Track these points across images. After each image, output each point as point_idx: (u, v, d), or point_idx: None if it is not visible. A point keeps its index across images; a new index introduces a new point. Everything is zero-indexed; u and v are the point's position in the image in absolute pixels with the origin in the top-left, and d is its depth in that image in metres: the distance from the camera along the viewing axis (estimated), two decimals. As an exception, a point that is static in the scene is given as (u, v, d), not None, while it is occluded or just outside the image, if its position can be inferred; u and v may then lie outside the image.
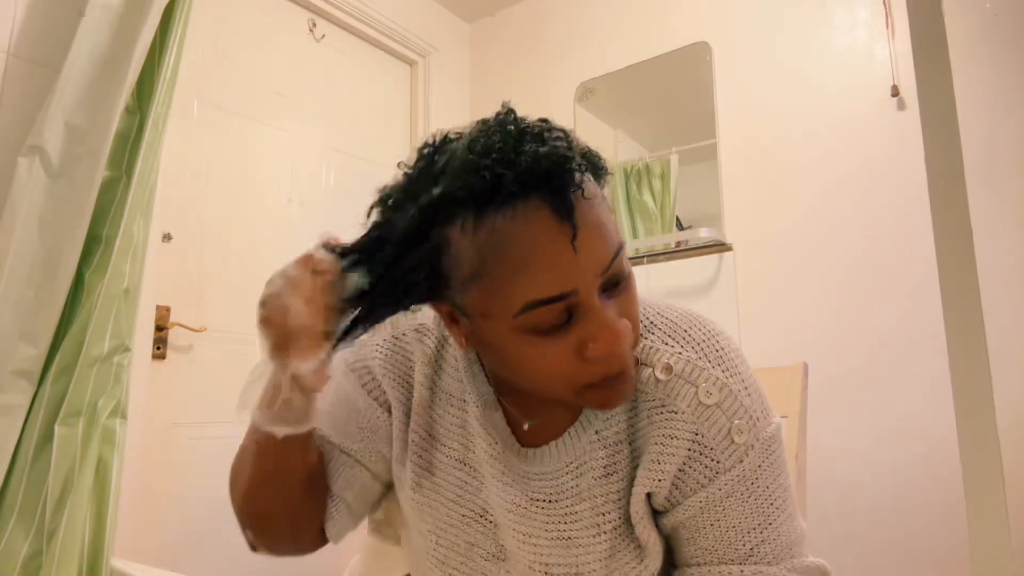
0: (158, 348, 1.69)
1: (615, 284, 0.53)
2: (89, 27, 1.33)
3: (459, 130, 0.55)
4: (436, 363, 0.68)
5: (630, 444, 0.61)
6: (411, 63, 2.58)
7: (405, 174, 0.55)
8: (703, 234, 2.05)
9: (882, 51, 1.85)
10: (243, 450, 0.66)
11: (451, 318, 0.58)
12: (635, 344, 0.57)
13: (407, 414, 0.68)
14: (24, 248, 1.24)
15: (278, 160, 2.06)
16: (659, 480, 0.59)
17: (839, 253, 1.85)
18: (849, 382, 1.77)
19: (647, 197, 2.26)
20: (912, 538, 1.65)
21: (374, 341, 0.70)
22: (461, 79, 2.75)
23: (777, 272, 1.94)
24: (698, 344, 0.61)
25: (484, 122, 0.53)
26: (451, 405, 0.66)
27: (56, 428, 1.24)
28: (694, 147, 2.17)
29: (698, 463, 0.58)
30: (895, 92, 1.81)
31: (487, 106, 2.97)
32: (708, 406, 0.58)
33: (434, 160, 0.53)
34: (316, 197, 2.14)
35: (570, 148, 0.50)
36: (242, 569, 1.80)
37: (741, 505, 0.58)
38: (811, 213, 1.91)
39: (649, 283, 2.13)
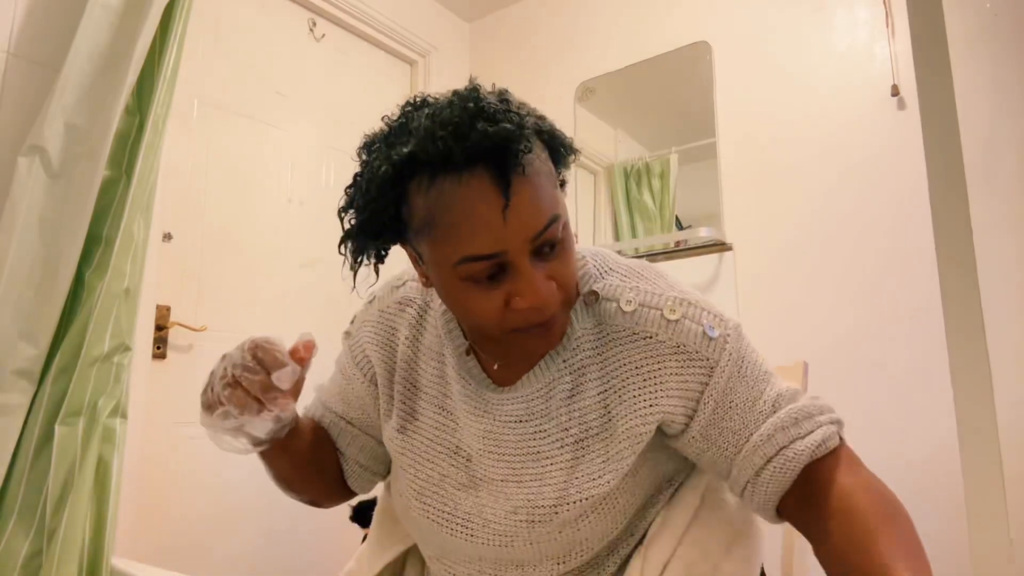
0: (158, 348, 1.69)
1: (550, 248, 0.61)
2: (89, 27, 1.33)
3: (437, 95, 0.63)
4: (418, 326, 0.78)
5: (600, 367, 0.69)
6: (411, 63, 2.58)
7: (387, 126, 0.64)
8: (703, 233, 2.05)
9: (882, 51, 1.85)
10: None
11: (415, 260, 0.68)
12: (568, 300, 0.64)
13: (391, 372, 0.78)
14: (24, 248, 1.24)
15: (278, 160, 2.06)
16: (669, 400, 0.66)
17: (839, 252, 1.85)
18: (849, 381, 1.77)
19: (647, 196, 2.26)
20: (912, 538, 1.64)
21: (366, 318, 0.81)
22: (461, 79, 2.73)
23: (777, 271, 1.94)
24: (649, 279, 0.71)
25: (455, 93, 0.61)
26: (432, 359, 0.76)
27: (56, 428, 1.24)
28: (694, 146, 2.17)
29: (692, 368, 0.65)
30: (895, 92, 1.81)
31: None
32: (676, 320, 0.66)
33: (410, 119, 0.61)
34: (316, 197, 2.14)
35: (520, 128, 0.58)
36: (242, 569, 1.80)
37: (744, 381, 0.66)
38: (811, 212, 1.91)
39: (649, 283, 2.12)
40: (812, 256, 1.89)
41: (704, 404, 0.66)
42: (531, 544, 0.69)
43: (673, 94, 2.31)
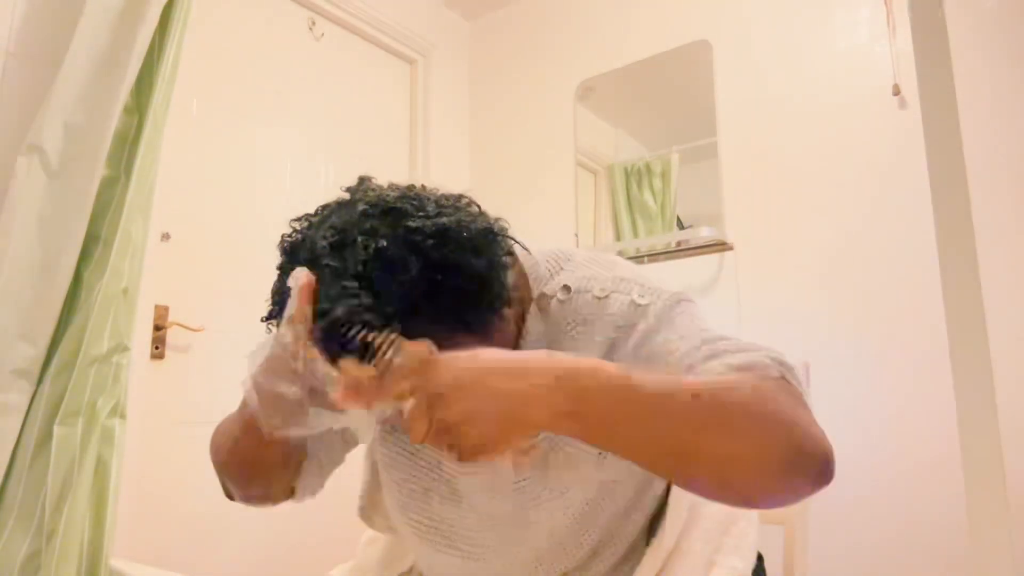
0: (157, 348, 1.69)
1: None
2: (88, 26, 1.32)
3: (377, 185, 0.67)
4: None
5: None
6: (411, 61, 2.58)
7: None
8: (704, 233, 2.04)
9: (883, 50, 1.85)
10: (231, 420, 0.70)
11: None
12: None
13: None
14: (23, 247, 1.23)
15: (278, 159, 2.06)
16: None
17: (840, 252, 1.85)
18: (849, 381, 1.77)
19: (648, 196, 2.26)
20: (912, 537, 1.64)
21: None
22: (461, 77, 2.74)
23: (777, 271, 1.94)
24: (589, 265, 0.71)
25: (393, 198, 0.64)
26: None
27: (55, 428, 1.24)
28: (695, 146, 2.17)
29: (620, 331, 0.65)
30: (896, 91, 1.80)
31: (487, 105, 2.93)
32: (604, 297, 0.67)
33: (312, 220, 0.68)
34: (316, 197, 2.13)
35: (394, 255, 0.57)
36: (242, 569, 1.80)
37: (669, 334, 0.63)
38: (812, 212, 1.91)
39: (649, 282, 2.12)
40: (813, 256, 1.89)
41: (622, 358, 0.64)
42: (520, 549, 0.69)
43: (674, 93, 2.31)
